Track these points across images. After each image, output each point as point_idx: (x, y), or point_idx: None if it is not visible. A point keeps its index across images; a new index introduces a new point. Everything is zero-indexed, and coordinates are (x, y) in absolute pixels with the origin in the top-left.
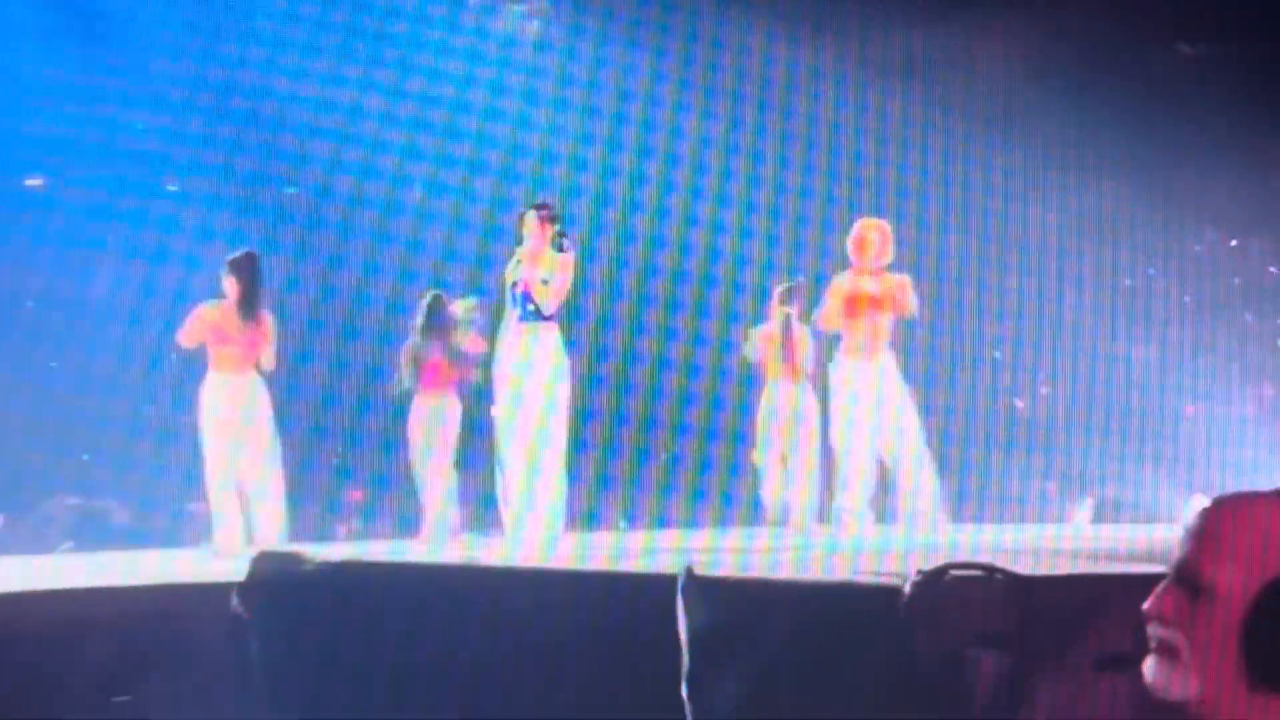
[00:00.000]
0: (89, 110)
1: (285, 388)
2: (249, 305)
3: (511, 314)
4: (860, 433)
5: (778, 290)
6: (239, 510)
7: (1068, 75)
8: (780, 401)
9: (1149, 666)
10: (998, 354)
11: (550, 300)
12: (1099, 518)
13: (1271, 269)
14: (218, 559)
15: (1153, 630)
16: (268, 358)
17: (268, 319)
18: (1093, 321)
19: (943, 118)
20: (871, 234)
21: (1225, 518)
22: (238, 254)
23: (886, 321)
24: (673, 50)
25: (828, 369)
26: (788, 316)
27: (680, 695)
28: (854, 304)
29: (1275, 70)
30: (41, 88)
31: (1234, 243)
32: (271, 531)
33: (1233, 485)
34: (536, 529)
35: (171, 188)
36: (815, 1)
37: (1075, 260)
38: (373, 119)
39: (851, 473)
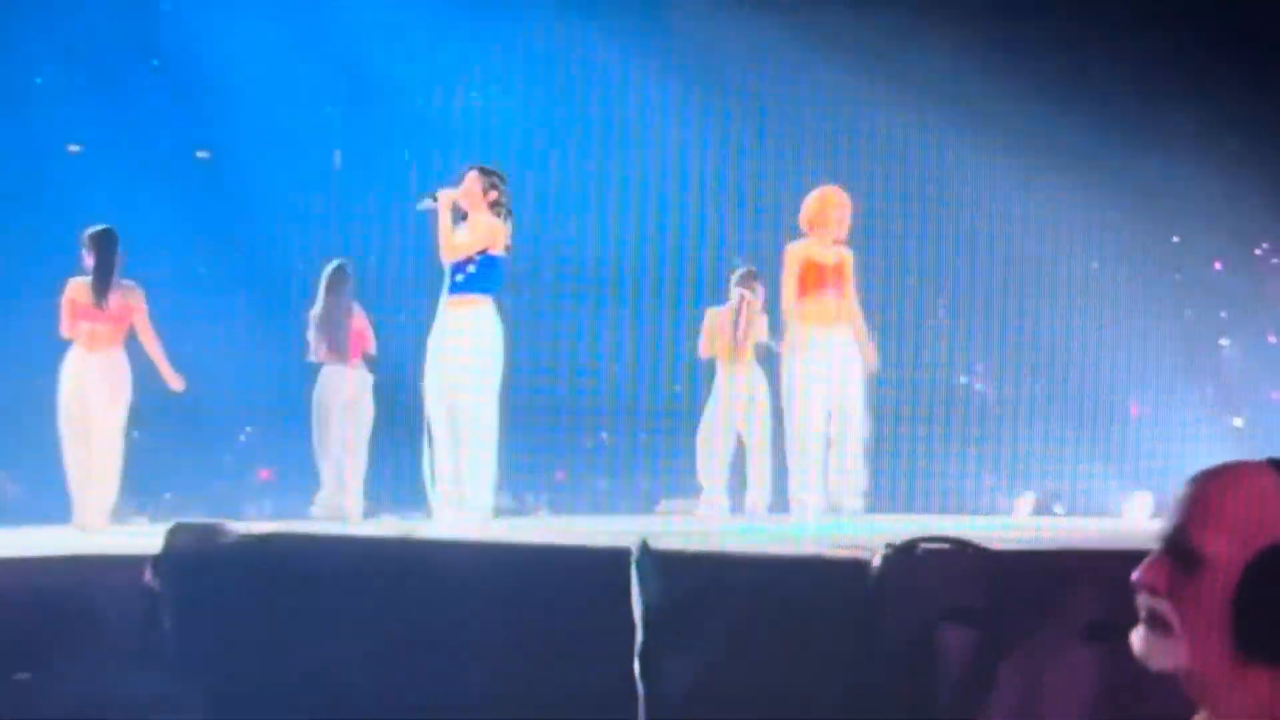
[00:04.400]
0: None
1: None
2: (104, 281)
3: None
4: (815, 409)
5: (735, 274)
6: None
7: (1018, 64)
8: (736, 385)
9: (1138, 637)
10: (941, 346)
11: (454, 252)
12: (1039, 510)
13: (1215, 265)
14: (81, 534)
15: (1142, 601)
16: (142, 330)
17: (135, 291)
18: (1035, 313)
19: (895, 100)
20: (835, 203)
21: (1215, 487)
22: (95, 229)
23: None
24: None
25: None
26: (742, 298)
27: (631, 673)
28: (818, 274)
29: (1215, 64)
30: None
31: (1175, 239)
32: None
33: (1175, 482)
34: (464, 511)
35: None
36: None
37: (1021, 251)
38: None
39: (806, 454)
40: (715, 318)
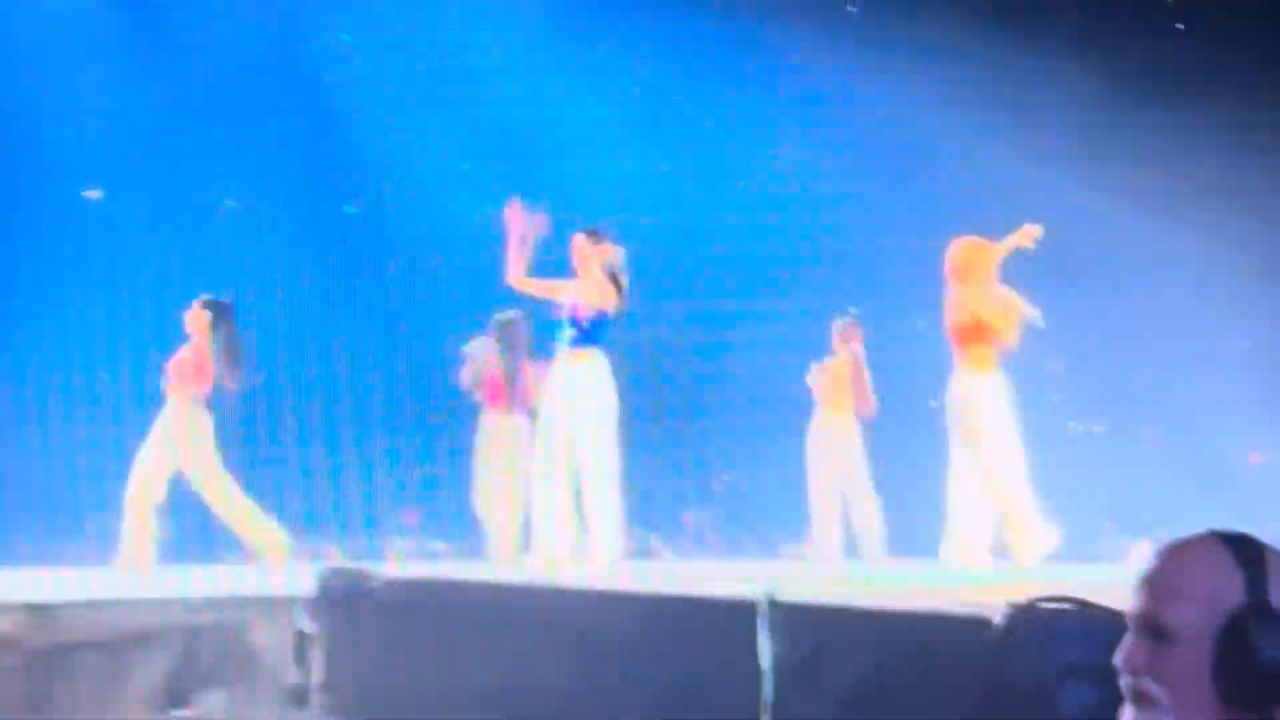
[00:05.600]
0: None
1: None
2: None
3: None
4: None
5: (838, 324)
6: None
7: (1139, 107)
8: (836, 435)
9: (1127, 716)
10: (1055, 396)
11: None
12: None
13: None
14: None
15: (1126, 682)
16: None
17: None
18: (1155, 363)
19: (1014, 151)
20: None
21: (1173, 566)
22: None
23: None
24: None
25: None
26: (856, 355)
27: None
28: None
29: None
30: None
31: None
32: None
33: None
34: (597, 551)
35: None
36: None
37: (1139, 302)
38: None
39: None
40: (821, 369)
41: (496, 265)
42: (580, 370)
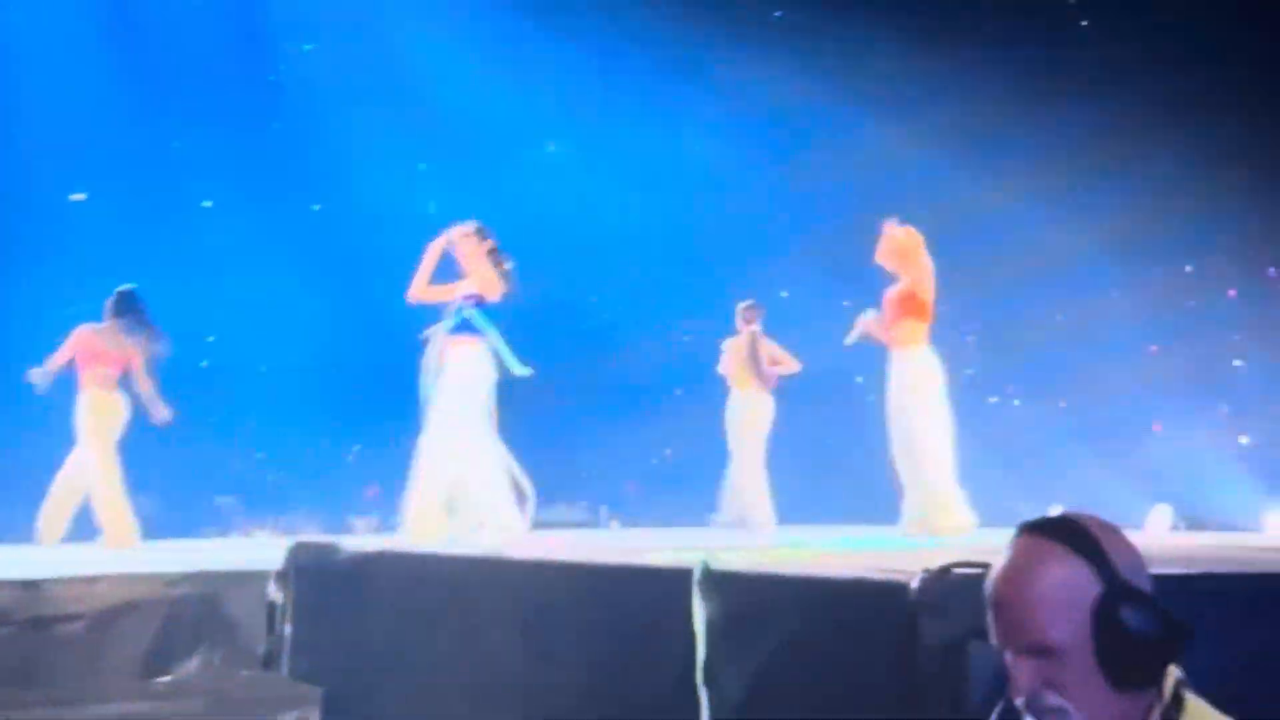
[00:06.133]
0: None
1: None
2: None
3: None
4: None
5: (740, 307)
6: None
7: (1044, 105)
8: (749, 408)
9: None
10: (970, 371)
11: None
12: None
13: (1231, 291)
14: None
15: (1034, 704)
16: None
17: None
18: (1058, 338)
19: (931, 144)
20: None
21: (1025, 588)
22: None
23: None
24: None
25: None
26: (754, 334)
27: (695, 685)
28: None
29: (1224, 94)
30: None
31: (1188, 269)
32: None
33: (1193, 498)
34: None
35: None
36: None
37: (1045, 282)
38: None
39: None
40: (727, 348)
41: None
42: (466, 356)
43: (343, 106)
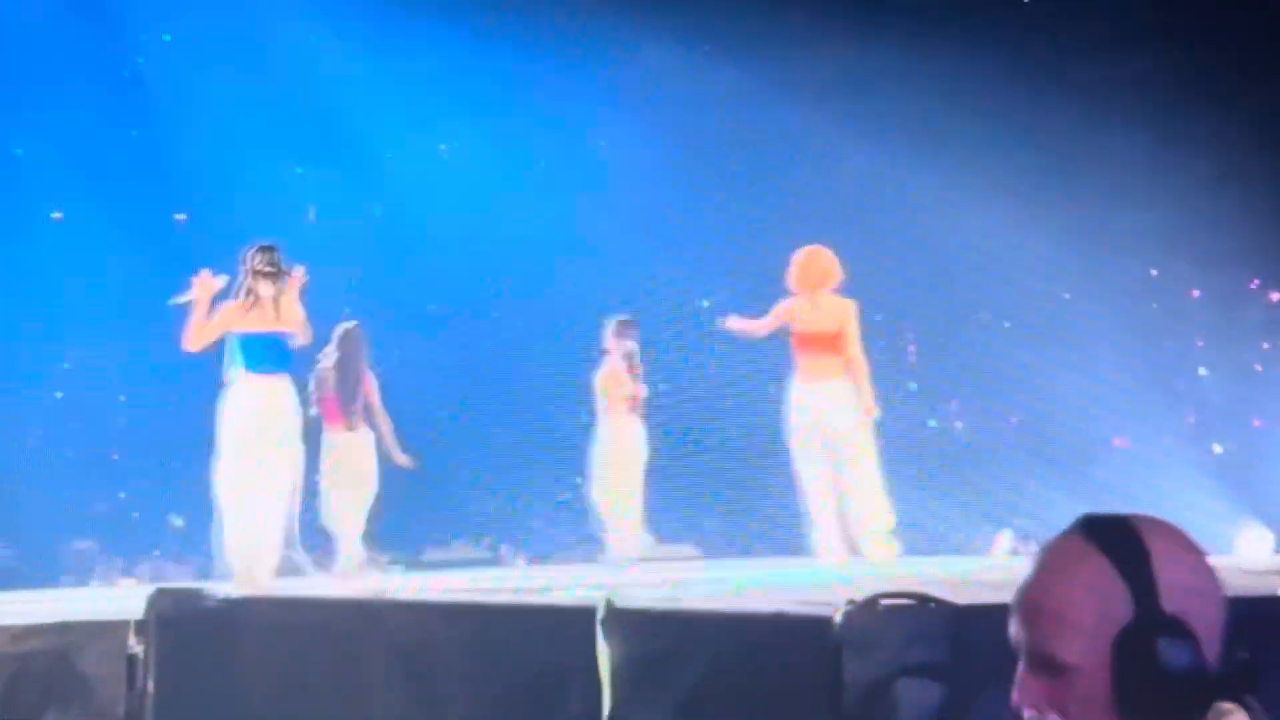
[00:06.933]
0: None
1: None
2: None
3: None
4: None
5: (612, 323)
6: None
7: (985, 93)
8: (622, 436)
9: None
10: (913, 385)
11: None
12: (1016, 550)
13: (1194, 292)
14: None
15: (1029, 717)
16: None
17: None
18: (1009, 349)
19: (856, 136)
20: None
21: (1054, 588)
22: None
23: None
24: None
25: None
26: (630, 351)
27: None
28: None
29: (1190, 93)
30: None
31: (1154, 272)
32: None
33: (1159, 513)
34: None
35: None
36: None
37: (990, 284)
38: None
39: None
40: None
41: (335, 267)
42: (281, 390)
43: (210, 104)
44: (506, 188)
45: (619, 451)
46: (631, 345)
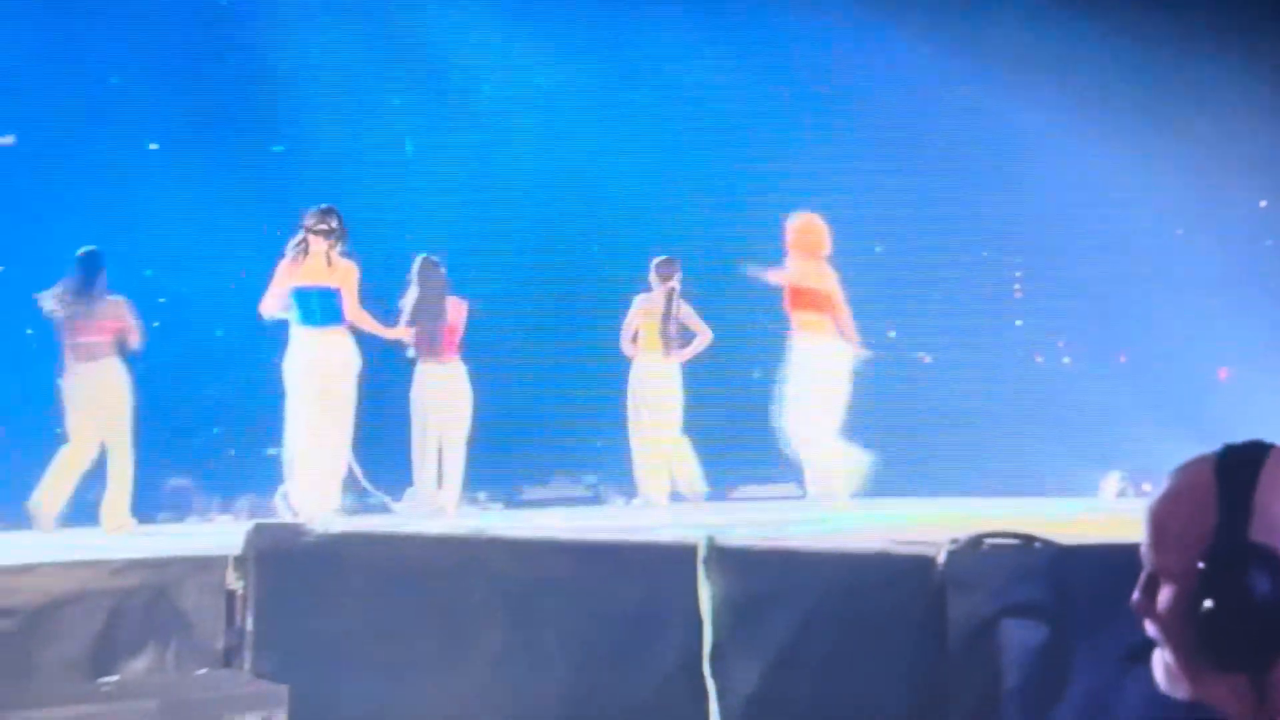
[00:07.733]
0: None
1: None
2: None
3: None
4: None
5: (656, 262)
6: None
7: (1093, 26)
8: (653, 376)
9: (1154, 664)
10: (1019, 322)
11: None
12: (1125, 491)
13: None
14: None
15: (1148, 627)
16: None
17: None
18: (1118, 284)
19: (960, 71)
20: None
21: (1163, 500)
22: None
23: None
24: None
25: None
26: (671, 291)
27: (701, 673)
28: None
29: None
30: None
31: (1263, 204)
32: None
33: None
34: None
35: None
36: None
37: (1097, 221)
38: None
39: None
40: (638, 306)
41: (424, 199)
42: (330, 343)
43: (305, 35)
44: (602, 125)
45: (655, 393)
46: (673, 285)
